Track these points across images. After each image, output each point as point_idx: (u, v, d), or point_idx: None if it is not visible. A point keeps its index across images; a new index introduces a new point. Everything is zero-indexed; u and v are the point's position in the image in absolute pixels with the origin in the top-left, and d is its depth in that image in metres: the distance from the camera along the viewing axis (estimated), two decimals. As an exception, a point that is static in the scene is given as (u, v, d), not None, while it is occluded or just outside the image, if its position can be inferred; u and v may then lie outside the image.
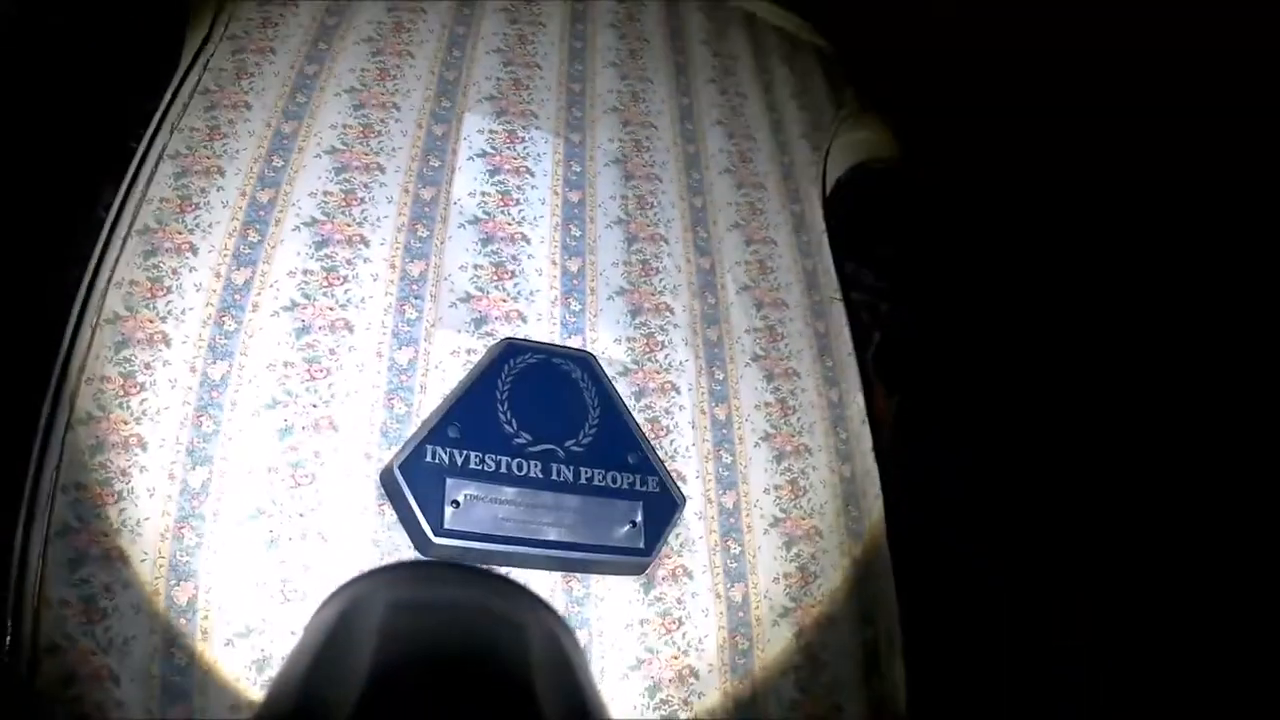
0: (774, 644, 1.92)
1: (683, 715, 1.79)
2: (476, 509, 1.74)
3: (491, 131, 2.24)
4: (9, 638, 1.47)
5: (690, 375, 2.13)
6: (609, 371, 2.03)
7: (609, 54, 2.59)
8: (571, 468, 1.85)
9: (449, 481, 1.74)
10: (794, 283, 2.41)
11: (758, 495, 2.06)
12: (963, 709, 1.90)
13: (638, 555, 1.84)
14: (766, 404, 2.19)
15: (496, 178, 2.18)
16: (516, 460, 1.81)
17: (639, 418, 2.01)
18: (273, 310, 1.83)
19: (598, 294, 2.14)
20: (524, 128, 2.29)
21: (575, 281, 2.13)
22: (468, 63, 2.34)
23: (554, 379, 1.94)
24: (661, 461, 1.95)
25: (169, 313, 1.76)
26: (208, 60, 2.04)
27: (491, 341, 1.94)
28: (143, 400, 1.68)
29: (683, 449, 2.04)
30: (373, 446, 1.78)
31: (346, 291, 1.90)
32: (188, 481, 1.65)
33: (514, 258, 2.09)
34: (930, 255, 2.51)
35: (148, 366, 1.71)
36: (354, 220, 1.98)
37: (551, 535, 1.78)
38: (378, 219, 2.00)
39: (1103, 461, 2.23)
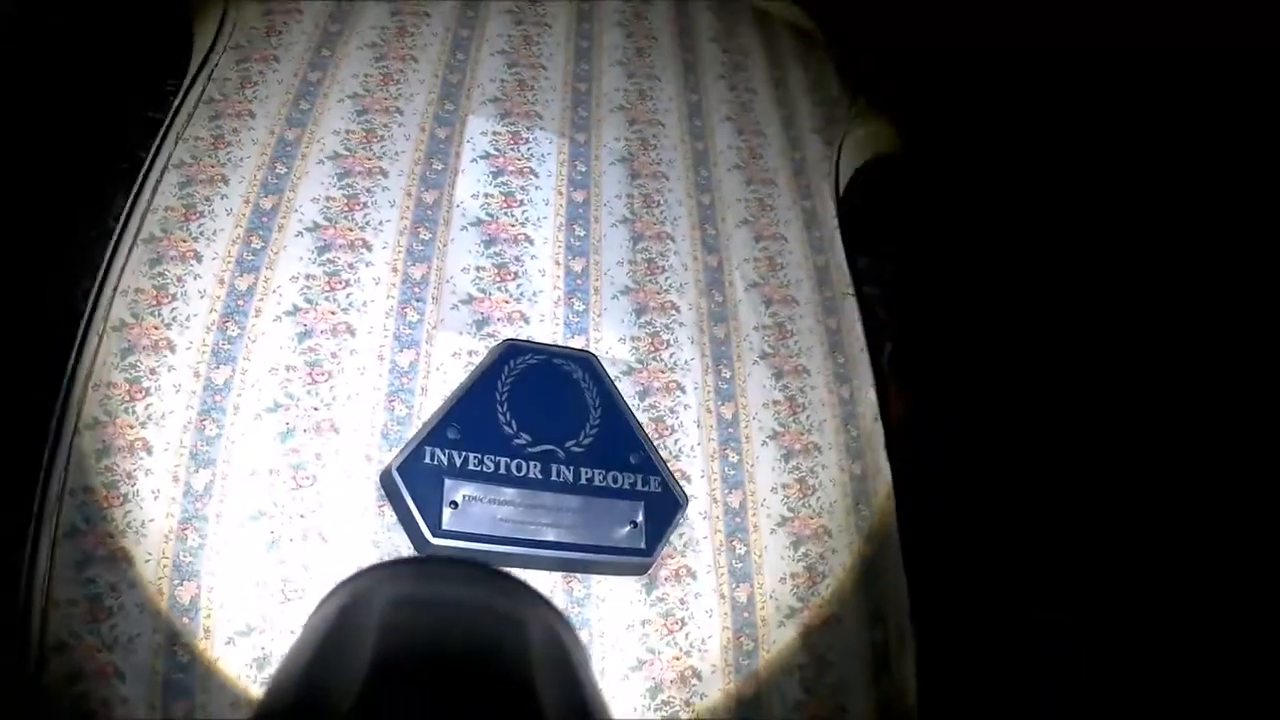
0: (779, 645, 1.89)
1: (685, 716, 1.77)
2: (475, 510, 1.75)
3: (495, 133, 2.25)
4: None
5: (696, 374, 2.11)
6: (612, 371, 2.02)
7: (616, 53, 2.58)
8: (572, 468, 1.85)
9: (447, 483, 1.74)
10: (804, 279, 2.37)
11: (765, 494, 2.03)
12: (975, 709, 1.85)
13: (638, 556, 1.82)
14: (775, 402, 2.16)
15: (500, 179, 2.18)
16: (516, 461, 1.81)
17: (643, 417, 2.00)
18: (275, 315, 1.86)
19: (602, 294, 2.13)
20: (528, 129, 2.29)
21: (579, 281, 2.12)
22: (471, 65, 2.35)
23: (555, 380, 1.93)
24: (664, 461, 1.93)
25: (173, 319, 1.80)
26: (212, 70, 2.07)
27: (493, 343, 1.95)
28: (148, 405, 1.71)
29: (687, 448, 2.02)
30: (373, 448, 1.79)
31: (348, 295, 1.92)
32: (191, 484, 1.68)
33: (517, 259, 2.09)
34: (943, 249, 2.45)
35: (153, 372, 1.74)
36: (356, 225, 2.00)
37: (551, 536, 1.78)
38: (380, 223, 2.02)
39: (1084, 435, 2.16)
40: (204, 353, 1.78)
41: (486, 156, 2.21)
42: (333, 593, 0.74)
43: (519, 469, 1.81)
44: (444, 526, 1.71)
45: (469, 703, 0.59)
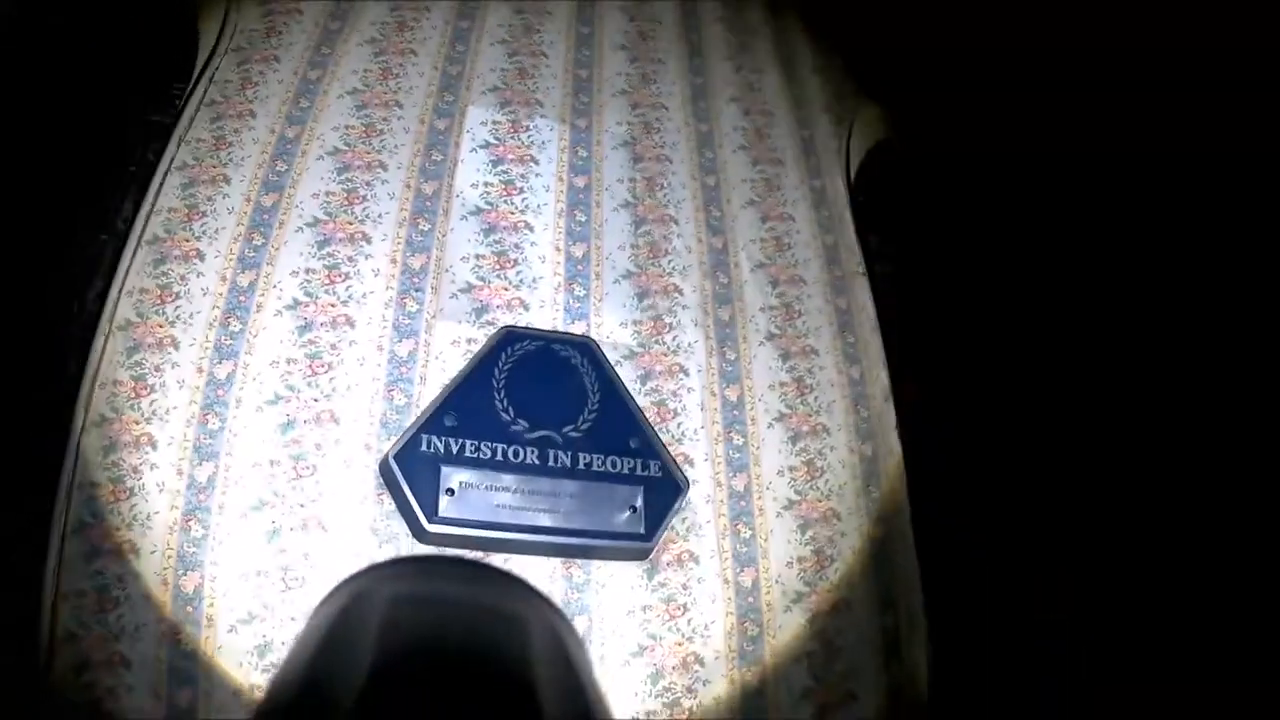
0: (786, 630, 1.85)
1: (686, 702, 1.74)
2: (472, 496, 1.75)
3: (495, 122, 2.25)
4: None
5: (700, 356, 2.08)
6: (613, 356, 2.00)
7: (619, 37, 2.56)
8: (569, 453, 1.83)
9: (444, 469, 1.75)
10: (813, 259, 2.32)
11: (770, 477, 2.00)
12: (988, 695, 1.79)
13: (638, 540, 1.80)
14: (781, 383, 2.12)
15: (499, 168, 2.18)
16: (513, 447, 1.81)
17: (644, 402, 1.98)
18: (276, 310, 1.88)
19: (603, 278, 2.11)
20: (528, 116, 2.29)
21: (580, 267, 2.11)
22: (471, 56, 2.35)
23: (553, 365, 1.92)
24: (665, 445, 1.91)
25: (177, 317, 1.83)
26: (213, 73, 2.11)
27: (493, 330, 1.94)
28: (152, 401, 1.75)
29: (690, 432, 1.99)
30: (372, 438, 1.81)
31: (348, 288, 1.94)
32: (195, 476, 1.71)
33: (516, 246, 2.09)
34: (944, 244, 2.38)
35: (157, 369, 1.78)
36: (356, 218, 2.02)
37: (548, 521, 1.77)
38: (379, 215, 2.04)
39: (1084, 435, 2.07)
40: (207, 348, 1.82)
41: (486, 146, 2.21)
42: (334, 591, 0.74)
43: (516, 455, 1.80)
44: (440, 513, 1.71)
45: (469, 701, 0.59)
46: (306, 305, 1.90)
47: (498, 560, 1.77)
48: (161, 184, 1.95)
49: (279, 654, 1.61)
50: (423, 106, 2.22)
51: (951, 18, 2.36)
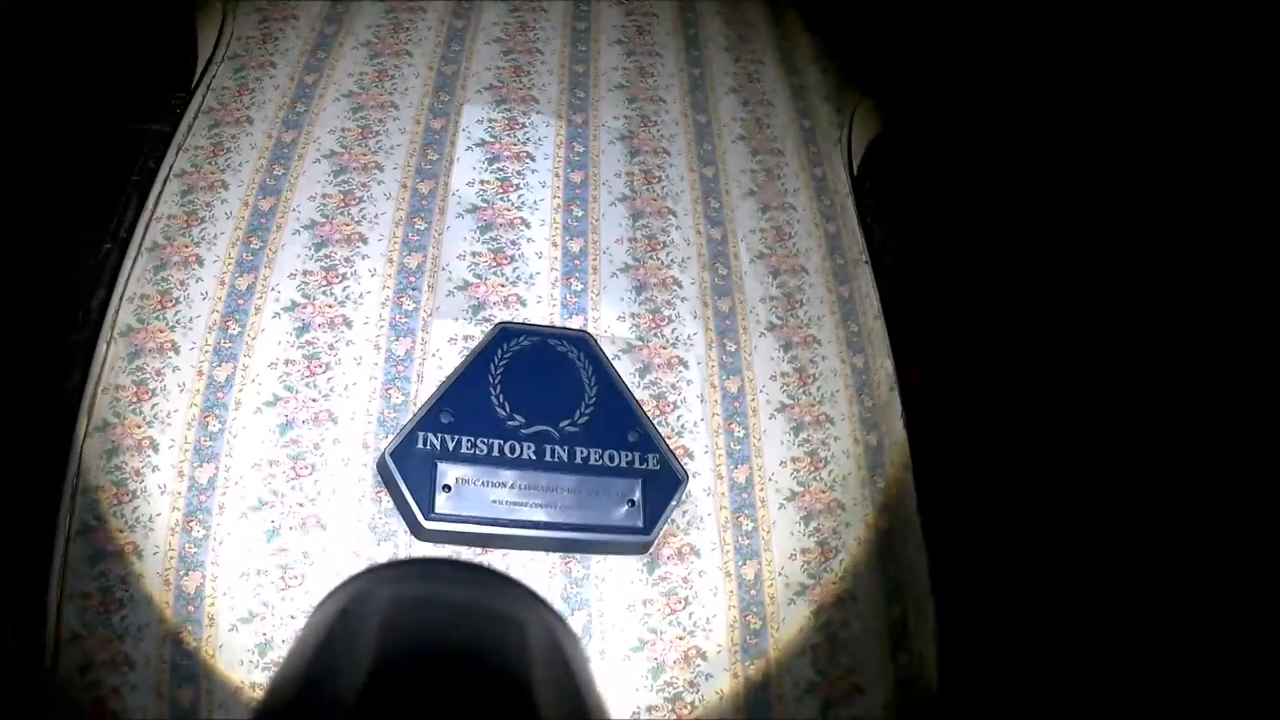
0: (790, 624, 1.83)
1: (688, 697, 1.72)
2: (469, 493, 1.75)
3: (491, 120, 2.25)
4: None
5: (699, 348, 2.07)
6: (612, 349, 1.99)
7: (615, 32, 2.55)
8: (566, 448, 1.83)
9: (440, 466, 1.75)
10: (814, 248, 2.29)
11: (773, 469, 1.97)
12: (999, 687, 1.74)
13: (637, 534, 1.79)
14: (783, 374, 2.09)
15: (496, 165, 2.18)
16: (509, 443, 1.80)
17: (643, 395, 1.97)
18: (274, 312, 1.90)
19: (600, 272, 2.10)
20: (524, 113, 2.29)
21: (577, 261, 2.10)
22: (466, 55, 2.36)
23: (549, 360, 1.92)
24: (664, 438, 1.89)
25: (177, 322, 1.86)
26: (210, 81, 2.14)
27: (490, 327, 1.94)
28: (154, 405, 1.78)
29: (690, 424, 1.98)
30: (370, 436, 1.82)
31: (345, 289, 1.95)
32: (195, 478, 1.73)
33: (513, 242, 2.09)
34: (957, 215, 2.33)
35: (158, 373, 1.80)
36: (352, 219, 2.03)
37: (546, 516, 1.76)
38: (375, 216, 2.05)
39: (1094, 421, 2.02)
40: (206, 352, 1.84)
41: (482, 144, 2.21)
42: (333, 593, 0.75)
43: (512, 450, 1.80)
44: (437, 510, 1.71)
45: (468, 703, 0.59)
46: (304, 307, 1.91)
47: (496, 557, 1.76)
48: (161, 191, 1.98)
49: (279, 652, 1.62)
50: (418, 107, 2.23)
51: (951, 15, 2.34)
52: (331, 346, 1.88)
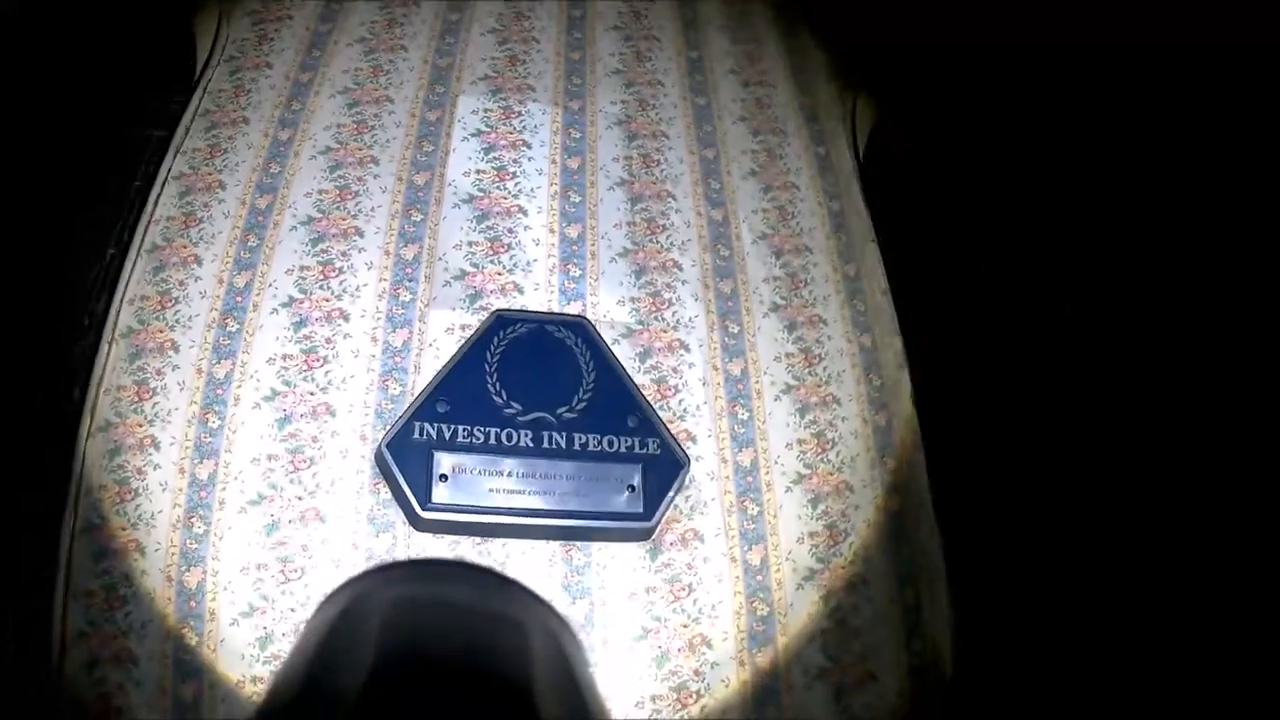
0: (798, 609, 1.78)
1: (694, 686, 1.69)
2: (466, 482, 1.73)
3: (486, 110, 2.24)
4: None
5: (701, 331, 2.03)
6: (611, 334, 1.96)
7: (611, 18, 2.53)
8: (564, 434, 1.80)
9: (437, 455, 1.74)
10: (818, 227, 2.24)
11: (779, 451, 1.92)
12: (1017, 672, 1.68)
13: (638, 521, 1.76)
14: (788, 355, 2.04)
15: (492, 154, 2.17)
16: (506, 430, 1.79)
17: (644, 379, 1.94)
18: (272, 308, 1.90)
19: (599, 257, 2.08)
20: (520, 102, 2.27)
21: (575, 247, 2.08)
22: (461, 47, 2.35)
23: (546, 347, 1.89)
24: (665, 423, 1.86)
25: (177, 321, 1.87)
26: (207, 84, 2.16)
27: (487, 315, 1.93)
28: (155, 404, 1.79)
29: (693, 408, 1.94)
30: (368, 428, 1.81)
31: (341, 282, 1.95)
32: (196, 474, 1.74)
33: (510, 230, 2.07)
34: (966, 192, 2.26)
35: (159, 372, 1.82)
36: (349, 214, 2.03)
37: (545, 504, 1.74)
38: (372, 210, 2.05)
39: (1113, 399, 1.94)
40: (205, 349, 1.85)
41: (478, 134, 2.20)
42: (334, 593, 0.75)
43: (510, 438, 1.78)
44: (434, 500, 1.70)
45: (468, 703, 0.59)
46: (301, 301, 1.92)
47: (496, 546, 1.75)
48: (159, 194, 2.00)
49: (279, 646, 1.62)
50: (413, 100, 2.23)
51: (950, 16, 2.30)
52: (329, 340, 1.88)
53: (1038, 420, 1.94)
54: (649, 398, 1.90)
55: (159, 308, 1.88)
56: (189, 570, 1.66)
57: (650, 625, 1.73)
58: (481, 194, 2.11)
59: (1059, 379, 2.00)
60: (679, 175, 2.25)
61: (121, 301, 1.88)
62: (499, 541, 1.75)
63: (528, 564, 1.74)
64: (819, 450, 1.94)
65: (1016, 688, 1.66)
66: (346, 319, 1.91)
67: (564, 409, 1.83)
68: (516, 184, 2.13)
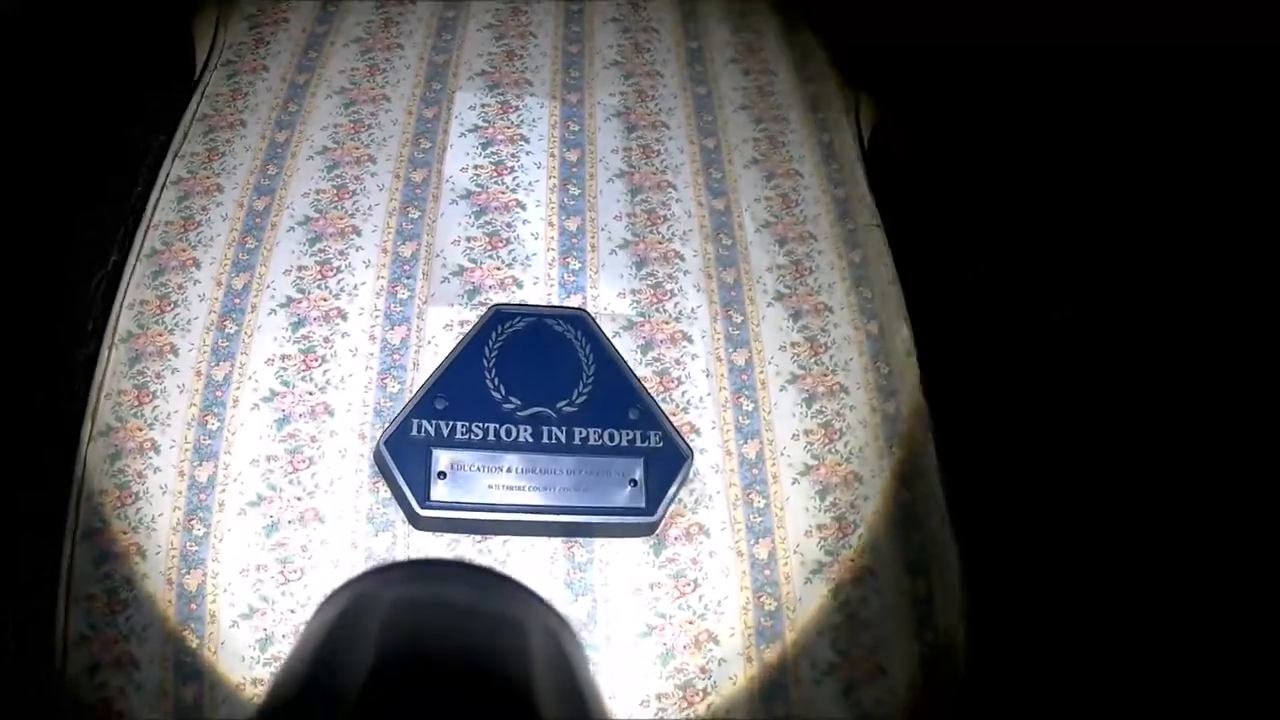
0: (806, 603, 1.73)
1: (700, 683, 1.65)
2: (465, 479, 1.71)
3: (484, 105, 2.22)
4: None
5: (704, 322, 1.99)
6: (612, 326, 1.93)
7: (609, 10, 2.50)
8: (564, 429, 1.77)
9: (435, 453, 1.71)
10: (822, 214, 2.20)
11: (785, 442, 1.88)
12: (1032, 665, 1.62)
13: (640, 515, 1.72)
14: (793, 344, 2.00)
15: (489, 149, 2.15)
16: (505, 426, 1.76)
17: (646, 371, 1.90)
18: (270, 309, 1.90)
19: (599, 249, 2.05)
20: (517, 96, 2.25)
21: (574, 240, 2.06)
22: (458, 44, 2.34)
23: (546, 340, 1.87)
24: (667, 415, 1.82)
25: (176, 325, 1.87)
26: (204, 89, 2.16)
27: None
28: (154, 407, 1.79)
29: (696, 400, 1.90)
30: (367, 427, 1.79)
31: (339, 281, 1.94)
32: (195, 477, 1.73)
33: (508, 225, 2.05)
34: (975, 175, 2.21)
35: (158, 376, 1.82)
36: (346, 213, 2.02)
37: (545, 500, 1.71)
38: (369, 208, 2.03)
39: (1128, 382, 1.88)
40: (204, 352, 1.84)
41: (475, 129, 2.18)
42: (334, 594, 0.75)
43: (509, 434, 1.75)
44: (432, 498, 1.68)
45: (468, 703, 0.60)
46: (299, 302, 1.91)
47: (496, 543, 1.72)
48: (158, 199, 2.00)
49: (279, 647, 1.61)
50: (410, 98, 2.22)
51: (950, 16, 2.26)
52: (327, 339, 1.87)
53: (1051, 406, 1.88)
54: (651, 390, 1.86)
55: (158, 312, 1.88)
56: (189, 573, 1.66)
57: (655, 622, 1.69)
58: (479, 189, 2.09)
59: (1072, 365, 1.94)
60: (680, 165, 2.22)
61: (121, 306, 1.88)
62: (499, 539, 1.72)
63: (529, 561, 1.71)
64: (826, 440, 1.90)
65: (1032, 680, 1.60)
66: (345, 318, 1.90)
67: (564, 403, 1.80)
68: (515, 178, 2.11)
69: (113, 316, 1.88)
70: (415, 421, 1.74)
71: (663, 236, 2.09)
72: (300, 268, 1.95)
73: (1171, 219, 1.99)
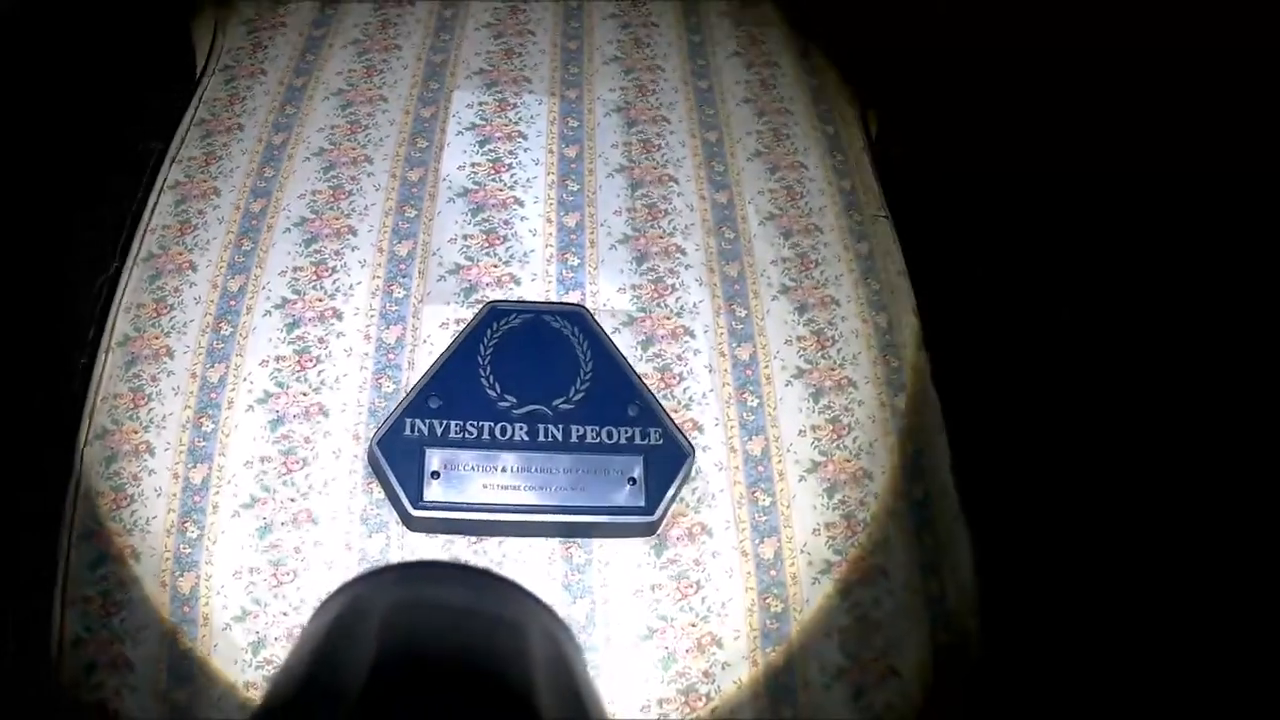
0: (814, 604, 1.67)
1: (703, 688, 1.59)
2: (458, 478, 1.67)
3: (481, 104, 2.20)
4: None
5: (706, 316, 1.95)
6: (612, 322, 1.89)
7: (609, 6, 2.47)
8: (561, 426, 1.73)
9: (428, 452, 1.68)
10: (828, 206, 2.14)
11: (791, 439, 1.83)
12: (1050, 665, 1.55)
13: (640, 515, 1.68)
14: (799, 338, 1.95)
15: (487, 147, 2.13)
16: (500, 425, 1.73)
17: (647, 367, 1.86)
18: (265, 310, 1.88)
19: (598, 245, 2.01)
20: (515, 94, 2.23)
21: (573, 236, 2.02)
22: (456, 43, 2.32)
23: (543, 338, 1.83)
24: (668, 412, 1.78)
25: (172, 328, 1.86)
26: (203, 94, 2.16)
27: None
28: (150, 410, 1.77)
29: (699, 396, 1.85)
30: (361, 427, 1.77)
31: (335, 282, 1.92)
32: (189, 479, 1.71)
33: (506, 222, 2.02)
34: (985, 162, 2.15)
35: (154, 379, 1.81)
36: (342, 213, 2.01)
37: (541, 500, 1.67)
38: (365, 208, 2.02)
39: (1147, 372, 1.81)
40: (199, 354, 1.83)
41: (473, 127, 2.16)
42: (333, 596, 0.76)
43: (504, 432, 1.72)
44: (426, 498, 1.65)
45: (467, 704, 0.60)
46: (295, 303, 1.89)
47: (493, 545, 1.68)
48: (155, 203, 2.00)
49: (272, 650, 1.58)
50: (407, 97, 2.20)
51: (949, 18, 2.22)
52: (322, 340, 1.85)
53: (1064, 400, 1.81)
54: (652, 387, 1.82)
55: (154, 315, 1.88)
56: (183, 575, 1.64)
57: (656, 625, 1.64)
58: (476, 187, 2.06)
59: (1084, 358, 1.87)
60: (681, 159, 2.18)
61: (118, 310, 1.88)
62: (495, 540, 1.69)
63: (526, 562, 1.67)
64: (834, 436, 1.84)
65: (1047, 679, 1.53)
66: (340, 318, 1.88)
67: (561, 400, 1.76)
68: (512, 175, 2.09)
69: (110, 320, 1.87)
70: (409, 421, 1.71)
71: (664, 231, 2.05)
72: (296, 269, 1.93)
73: (1171, 219, 1.94)
